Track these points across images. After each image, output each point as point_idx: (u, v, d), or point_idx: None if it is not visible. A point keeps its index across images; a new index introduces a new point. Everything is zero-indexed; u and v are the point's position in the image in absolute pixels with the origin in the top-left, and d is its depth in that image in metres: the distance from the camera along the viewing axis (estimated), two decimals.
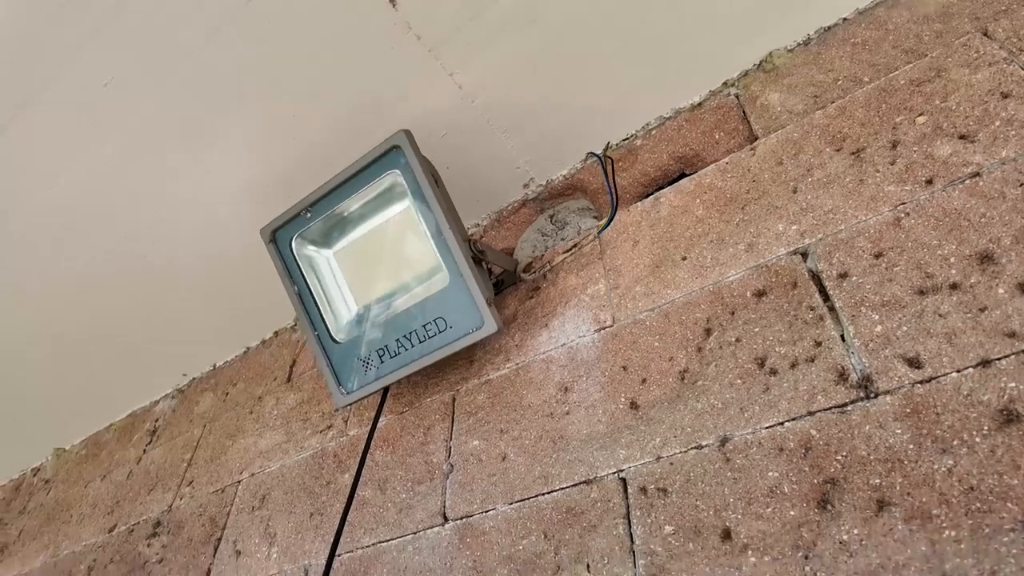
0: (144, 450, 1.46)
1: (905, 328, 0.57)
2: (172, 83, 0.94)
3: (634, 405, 0.71)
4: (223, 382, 1.42)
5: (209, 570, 1.01)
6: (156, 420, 1.53)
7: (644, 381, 0.72)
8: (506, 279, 0.96)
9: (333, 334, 0.89)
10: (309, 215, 0.88)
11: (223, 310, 1.38)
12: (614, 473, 0.67)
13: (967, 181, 0.62)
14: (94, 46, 0.90)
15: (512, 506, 0.72)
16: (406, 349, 0.84)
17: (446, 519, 0.77)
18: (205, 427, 1.34)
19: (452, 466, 0.82)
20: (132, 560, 1.18)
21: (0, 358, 1.55)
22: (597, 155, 0.89)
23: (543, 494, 0.71)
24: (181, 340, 1.46)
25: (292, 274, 0.90)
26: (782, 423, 0.59)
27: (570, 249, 0.90)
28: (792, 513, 0.54)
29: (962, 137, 0.65)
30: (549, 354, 0.83)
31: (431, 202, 0.79)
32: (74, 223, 1.17)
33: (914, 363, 0.55)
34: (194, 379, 1.53)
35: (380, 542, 0.82)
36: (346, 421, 1.03)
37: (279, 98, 0.96)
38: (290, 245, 0.90)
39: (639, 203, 0.89)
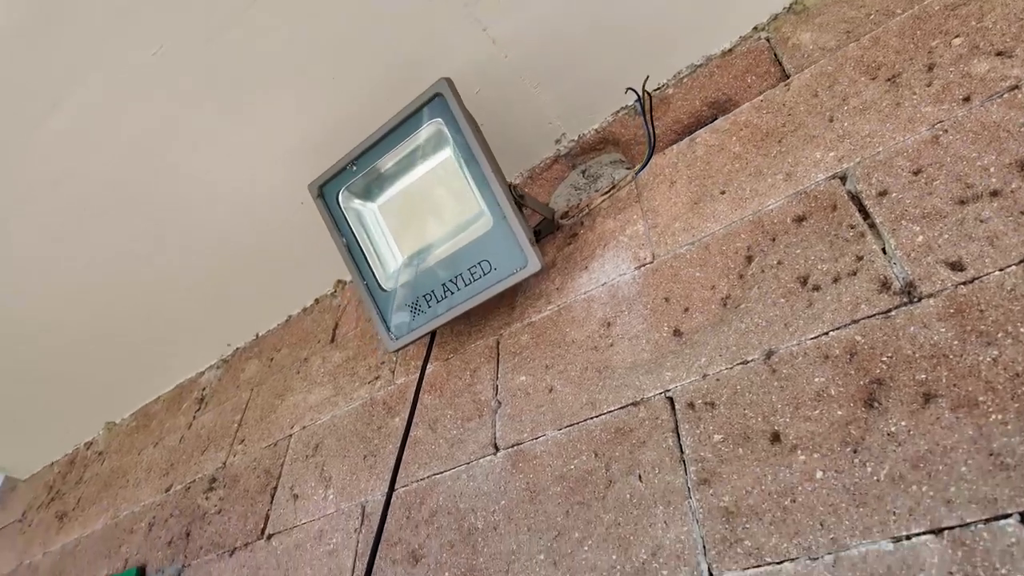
0: (194, 417, 1.53)
1: (946, 236, 0.59)
2: (218, 49, 0.98)
3: (677, 332, 0.73)
4: (267, 349, 1.48)
5: (267, 515, 1.06)
6: (203, 389, 1.59)
7: (687, 310, 0.74)
8: (543, 229, 0.99)
9: (381, 283, 0.93)
10: (355, 168, 0.91)
11: (264, 279, 1.43)
12: (661, 393, 0.70)
13: (1006, 95, 0.63)
14: (145, 13, 0.94)
15: (561, 431, 0.76)
16: (452, 293, 0.87)
17: (497, 448, 0.81)
18: (253, 390, 1.39)
19: (500, 402, 0.86)
20: (191, 513, 1.24)
21: (50, 340, 1.62)
22: (635, 90, 0.90)
23: (591, 418, 0.74)
24: (224, 311, 1.51)
25: (340, 227, 0.94)
26: (826, 333, 0.61)
27: (607, 192, 0.93)
28: (839, 413, 0.56)
29: (999, 54, 0.66)
30: (590, 293, 0.86)
31: (473, 146, 0.82)
32: (119, 195, 1.22)
33: (956, 266, 0.57)
34: (238, 348, 1.59)
35: (434, 474, 0.85)
36: (393, 371, 1.07)
37: (319, 60, 0.99)
38: (337, 199, 0.94)
39: (674, 145, 0.91)
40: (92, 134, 1.11)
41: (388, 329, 0.93)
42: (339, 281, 1.42)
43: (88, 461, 1.86)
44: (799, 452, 0.57)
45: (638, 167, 0.91)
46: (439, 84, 0.83)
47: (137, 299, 1.49)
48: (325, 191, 0.95)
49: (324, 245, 1.31)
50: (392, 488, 0.80)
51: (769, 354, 0.64)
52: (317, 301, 1.45)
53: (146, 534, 1.32)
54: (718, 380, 0.66)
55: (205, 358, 1.65)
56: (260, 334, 1.55)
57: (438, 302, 0.88)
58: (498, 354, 0.92)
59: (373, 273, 0.93)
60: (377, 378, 1.09)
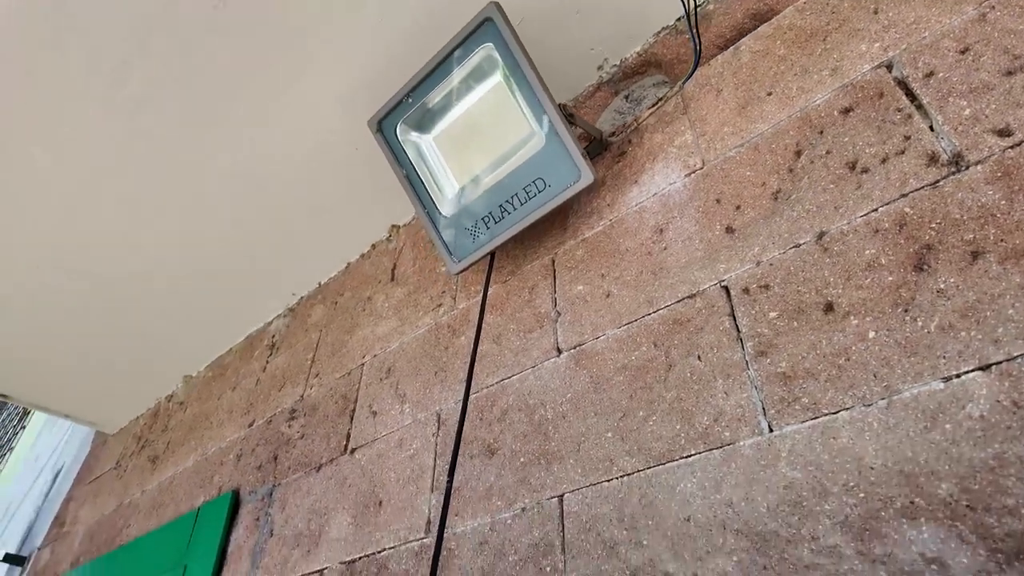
0: (267, 361, 1.64)
1: (994, 106, 0.61)
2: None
3: (730, 229, 0.77)
4: (331, 294, 1.57)
5: (349, 434, 1.16)
6: (273, 336, 1.70)
7: (738, 207, 0.78)
8: (592, 150, 1.03)
9: (441, 210, 0.99)
10: (410, 100, 0.97)
11: (323, 228, 1.51)
12: (716, 284, 0.74)
13: None
14: None
15: (621, 328, 0.81)
16: (509, 213, 0.92)
17: (560, 351, 0.87)
18: (321, 331, 1.49)
19: (559, 312, 0.92)
20: (276, 440, 1.35)
21: (129, 301, 1.75)
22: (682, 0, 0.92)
23: (649, 314, 0.79)
24: (288, 261, 1.60)
25: (400, 159, 1.00)
26: (876, 209, 0.64)
27: (654, 106, 0.96)
28: (890, 279, 0.60)
29: None
30: (641, 205, 0.90)
31: (524, 66, 0.86)
32: (188, 152, 1.31)
33: (1004, 132, 0.59)
34: (303, 297, 1.69)
35: (502, 380, 0.93)
36: (454, 298, 1.14)
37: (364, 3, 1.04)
38: (395, 132, 0.99)
39: (719, 56, 0.93)
40: (159, 95, 1.19)
41: (450, 253, 1.00)
42: (393, 226, 1.49)
43: (171, 411, 2.02)
44: (852, 317, 0.61)
45: (684, 77, 0.94)
46: (488, 8, 0.87)
47: (206, 253, 1.59)
48: (383, 126, 1.01)
49: (378, 191, 1.39)
50: (469, 385, 0.87)
51: (821, 235, 0.67)
52: (374, 246, 1.53)
53: (235, 463, 1.45)
54: (771, 265, 0.70)
55: (272, 308, 1.75)
56: (322, 282, 1.65)
57: (496, 223, 0.94)
58: (554, 271, 0.97)
59: (433, 201, 0.99)
60: (439, 306, 1.16)
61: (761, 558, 0.55)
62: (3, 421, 3.83)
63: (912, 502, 0.50)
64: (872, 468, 0.53)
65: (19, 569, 2.57)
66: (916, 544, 0.48)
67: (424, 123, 1.01)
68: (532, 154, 0.90)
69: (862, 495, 0.52)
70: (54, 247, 1.51)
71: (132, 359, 1.99)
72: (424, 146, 1.01)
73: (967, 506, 0.47)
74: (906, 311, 0.58)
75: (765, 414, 0.62)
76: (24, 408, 3.50)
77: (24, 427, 2.75)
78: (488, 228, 0.94)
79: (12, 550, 2.62)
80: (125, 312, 1.79)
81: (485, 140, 0.96)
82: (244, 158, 1.31)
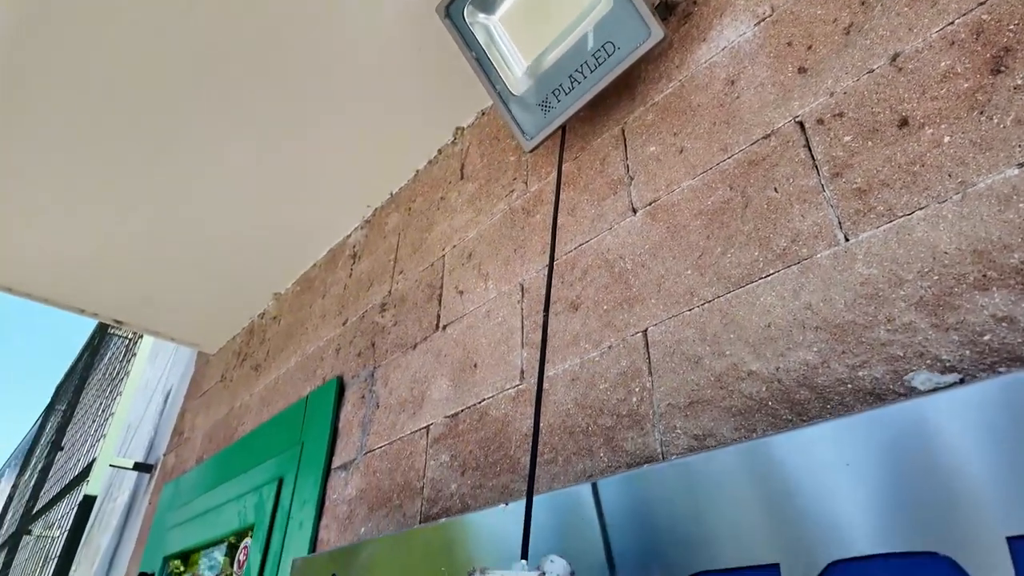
0: (351, 269, 1.77)
1: None
2: None
3: (802, 70, 0.79)
4: (403, 202, 1.66)
5: (439, 314, 1.27)
6: (354, 247, 1.83)
7: (810, 47, 0.79)
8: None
9: (512, 89, 1.04)
10: None
11: (391, 138, 1.58)
12: (790, 120, 0.77)
13: None
14: None
15: (696, 179, 0.86)
16: (579, 82, 0.96)
17: (635, 210, 0.93)
18: (400, 235, 1.59)
19: (632, 176, 0.97)
20: (371, 331, 1.49)
21: (217, 227, 1.89)
22: None
23: (723, 160, 0.83)
24: (360, 174, 1.69)
25: (469, 43, 1.05)
26: (951, 23, 0.66)
27: None
28: (965, 86, 0.62)
29: None
30: (711, 60, 0.92)
31: None
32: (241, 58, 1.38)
33: None
34: (376, 208, 1.79)
35: (580, 245, 1.00)
36: (526, 181, 1.20)
37: None
38: (463, 16, 1.04)
39: None
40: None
41: (523, 132, 1.05)
42: (458, 128, 1.55)
43: (265, 326, 2.21)
44: (926, 128, 0.64)
45: None
46: None
47: (283, 176, 1.70)
48: (451, 11, 1.05)
49: (441, 96, 1.44)
50: (552, 258, 0.94)
51: (895, 57, 0.69)
52: (440, 151, 1.60)
53: (335, 356, 1.60)
54: (845, 94, 0.72)
55: (349, 222, 1.87)
56: (394, 192, 1.74)
57: (567, 94, 0.98)
58: (624, 139, 1.02)
59: (504, 81, 1.04)
60: (512, 191, 1.23)
61: (839, 345, 0.61)
62: (112, 357, 4.25)
63: (984, 275, 0.54)
64: (946, 253, 0.57)
65: (148, 475, 2.93)
66: (988, 308, 0.53)
67: (488, 4, 1.05)
68: (599, 19, 0.93)
69: (936, 277, 0.57)
70: (156, 190, 1.65)
71: (225, 283, 2.18)
72: (491, 26, 1.05)
73: None
74: (981, 112, 0.60)
75: (841, 227, 0.67)
76: (130, 342, 3.86)
77: (134, 354, 3.05)
78: (559, 100, 0.99)
79: (139, 460, 2.98)
80: (216, 241, 1.95)
81: (551, 13, 0.99)
82: (309, 59, 1.38)
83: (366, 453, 1.28)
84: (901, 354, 0.56)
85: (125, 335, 4.11)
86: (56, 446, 4.33)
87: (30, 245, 1.93)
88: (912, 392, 0.53)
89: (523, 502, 0.75)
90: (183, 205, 1.79)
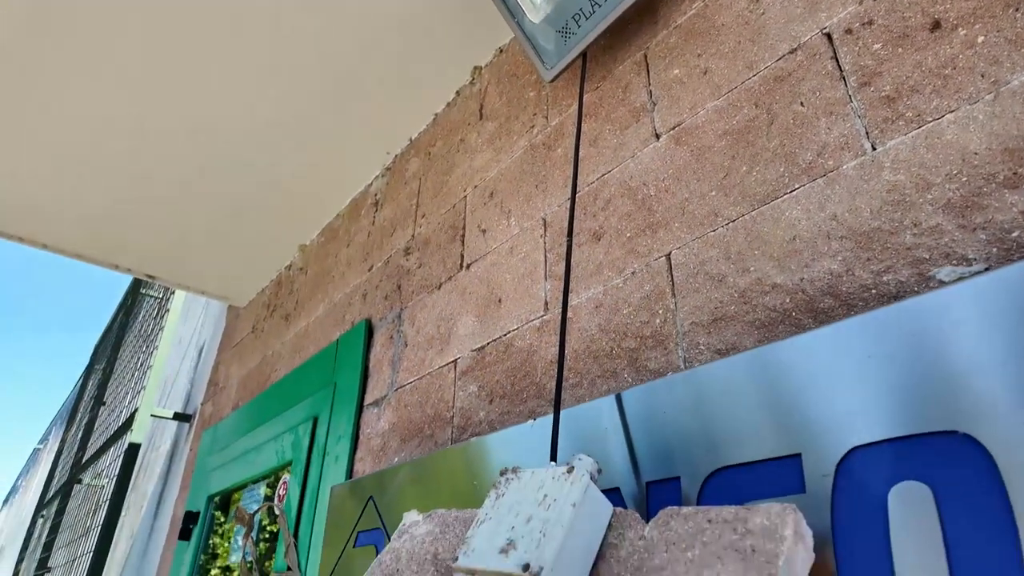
0: (374, 216, 1.79)
1: None
2: None
3: None
4: (423, 146, 1.66)
5: (462, 254, 1.29)
6: (375, 195, 1.84)
7: None
8: None
9: (530, 16, 1.03)
10: None
11: (410, 81, 1.57)
12: (817, 33, 0.76)
13: None
14: None
15: (720, 99, 0.85)
16: (600, 4, 0.95)
17: (658, 136, 0.93)
18: (420, 180, 1.60)
19: (655, 102, 0.96)
20: (396, 274, 1.52)
21: (244, 180, 1.91)
22: None
23: (749, 79, 0.82)
24: (378, 120, 1.69)
25: None
26: None
27: None
28: None
29: None
30: None
31: None
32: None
33: None
34: (396, 155, 1.79)
35: (602, 175, 1.00)
36: (546, 116, 1.20)
37: None
38: None
39: None
40: None
41: (542, 61, 1.04)
42: (475, 67, 1.53)
43: (293, 277, 2.25)
44: (960, 29, 0.62)
45: None
46: None
47: (303, 123, 1.71)
48: None
49: (456, 35, 1.42)
50: (575, 191, 0.95)
51: None
52: (458, 93, 1.58)
53: (363, 301, 1.64)
54: (875, 1, 0.70)
55: (370, 171, 1.88)
56: (413, 137, 1.74)
57: (587, 18, 0.96)
58: (647, 64, 1.00)
59: (521, 7, 1.02)
60: (532, 127, 1.23)
61: (864, 252, 0.62)
62: (145, 316, 4.39)
63: (1015, 172, 0.54)
64: (976, 154, 0.57)
65: (187, 424, 3.06)
66: (1017, 205, 0.53)
67: None
68: None
69: (964, 179, 0.57)
70: (182, 146, 1.66)
71: (253, 236, 2.22)
72: None
73: None
74: (1016, 10, 0.58)
75: (868, 136, 0.66)
76: (161, 301, 3.98)
77: (167, 310, 3.15)
78: (580, 25, 0.97)
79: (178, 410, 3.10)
80: (242, 196, 1.98)
81: None
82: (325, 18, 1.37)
83: (396, 389, 1.33)
84: (927, 256, 0.57)
85: (157, 295, 4.23)
86: (99, 401, 4.53)
87: (66, 202, 1.98)
88: (937, 284, 0.54)
89: (549, 417, 0.78)
90: (209, 162, 1.82)
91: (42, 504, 5.86)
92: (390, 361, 1.40)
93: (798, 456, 0.50)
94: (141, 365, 3.54)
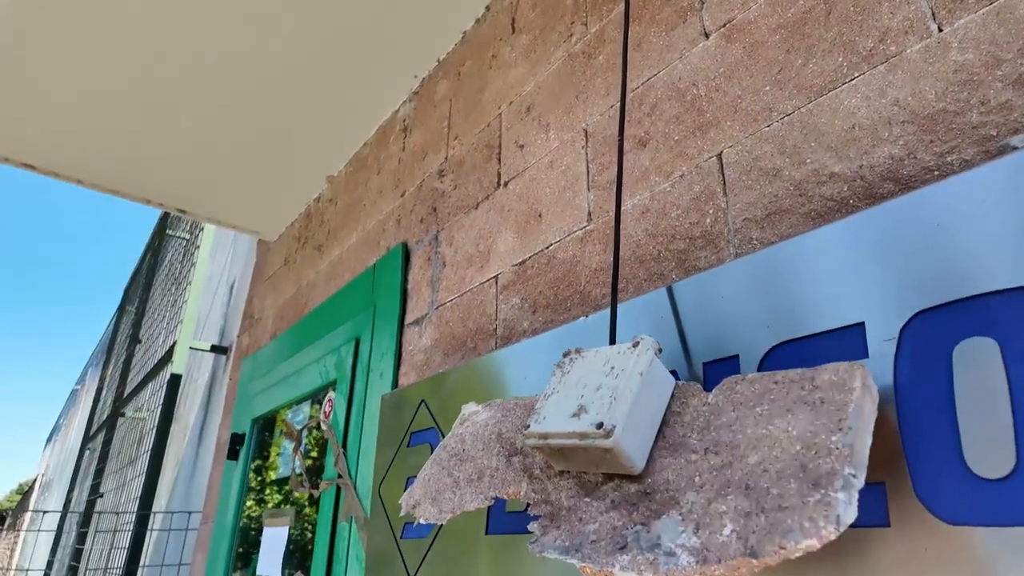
0: (403, 142, 1.79)
1: None
2: None
3: None
4: (452, 67, 1.63)
5: (499, 172, 1.30)
6: (404, 120, 1.83)
7: None
8: None
9: None
10: None
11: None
12: None
13: None
14: None
15: None
16: None
17: (708, 35, 0.91)
18: (451, 101, 1.59)
19: (703, 1, 0.93)
20: (431, 197, 1.53)
21: (270, 109, 1.90)
22: None
23: None
24: (405, 38, 1.66)
25: None
26: None
27: None
28: None
29: None
30: None
31: None
32: None
33: None
34: (424, 78, 1.77)
35: (648, 80, 0.98)
36: (585, 23, 1.17)
37: None
38: None
39: None
40: None
41: None
42: None
43: (322, 209, 2.27)
44: None
45: None
46: None
47: (327, 50, 1.68)
48: None
49: None
50: (624, 94, 0.94)
51: None
52: (488, 8, 1.54)
53: (397, 226, 1.66)
54: None
55: (397, 96, 1.86)
56: (441, 58, 1.71)
57: None
58: None
59: None
60: (571, 36, 1.20)
61: (927, 135, 0.62)
62: (172, 258, 4.47)
63: None
64: None
65: (223, 357, 3.17)
66: None
67: None
68: None
69: None
70: (207, 77, 1.65)
71: (281, 170, 2.23)
72: None
73: None
74: None
75: (935, 18, 0.64)
76: (187, 243, 4.04)
77: (197, 246, 3.21)
78: None
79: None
80: (267, 129, 1.98)
81: None
82: None
83: (437, 308, 1.37)
84: (994, 133, 0.57)
85: (183, 236, 4.29)
86: (134, 339, 4.69)
87: (100, 138, 1.99)
88: (1010, 150, 0.54)
89: (601, 313, 0.80)
90: (235, 94, 1.81)
91: (87, 438, 6.18)
92: (429, 282, 1.43)
93: (861, 324, 0.52)
94: (174, 303, 3.64)
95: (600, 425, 0.52)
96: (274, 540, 1.77)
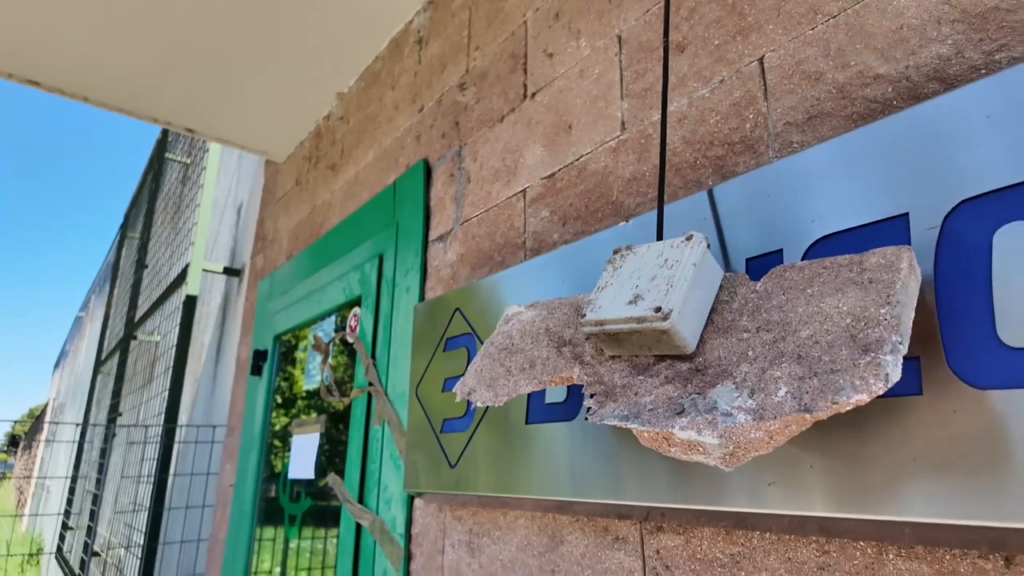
0: (419, 55, 1.75)
1: None
2: None
3: None
4: None
5: (525, 84, 1.29)
6: (418, 32, 1.78)
7: None
8: None
9: None
10: None
11: None
12: None
13: None
14: None
15: None
16: None
17: None
18: (471, 9, 1.54)
19: None
20: (452, 112, 1.52)
21: (275, 19, 1.83)
22: None
23: None
24: None
25: None
26: None
27: None
28: None
29: None
30: None
31: None
32: None
33: None
34: None
35: None
36: None
37: None
38: None
39: None
40: None
41: None
42: None
43: (333, 127, 2.25)
44: None
45: None
46: None
47: None
48: None
49: None
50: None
51: None
52: None
53: (416, 143, 1.66)
54: None
55: (410, 5, 1.80)
56: None
57: None
58: None
59: None
60: None
61: (977, 34, 0.63)
62: (172, 181, 4.43)
63: None
64: None
65: (236, 279, 3.21)
66: None
67: None
68: None
69: None
70: None
71: (287, 85, 2.18)
72: None
73: None
74: None
75: None
76: (187, 167, 3.99)
77: (204, 167, 3.18)
78: None
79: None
80: (273, 42, 1.92)
81: None
82: None
83: (462, 223, 1.39)
84: None
85: (182, 160, 4.23)
86: (141, 264, 4.72)
87: (107, 55, 1.94)
88: (1013, 61, 0.56)
89: (643, 217, 0.83)
90: (238, 6, 1.75)
91: (99, 363, 6.33)
92: (453, 198, 1.45)
93: (905, 215, 0.56)
94: (182, 226, 3.64)
95: (658, 309, 0.56)
96: (305, 447, 1.88)
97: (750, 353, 0.53)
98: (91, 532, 4.35)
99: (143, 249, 4.83)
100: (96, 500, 4.47)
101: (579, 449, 0.82)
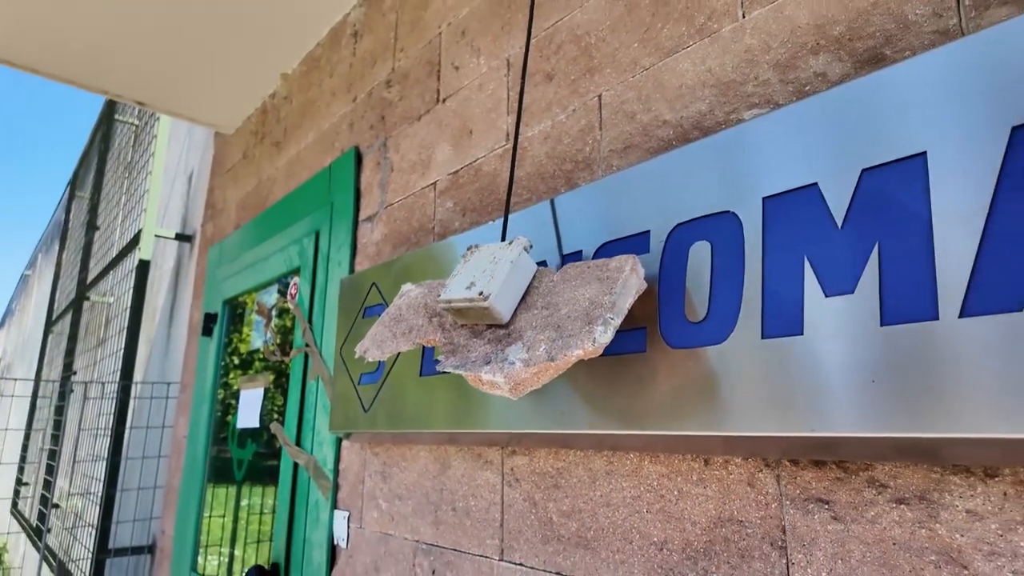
0: (354, 48, 1.92)
1: None
2: None
3: None
4: None
5: (438, 89, 1.50)
6: (354, 25, 1.95)
7: None
8: None
9: None
10: None
11: None
12: None
13: None
14: None
15: None
16: None
17: None
18: (398, 12, 1.72)
19: None
20: (379, 106, 1.72)
21: (221, 7, 1.96)
22: None
23: None
24: None
25: None
26: None
27: None
28: None
29: None
30: None
31: None
32: None
33: None
34: None
35: (555, 22, 1.19)
36: None
37: None
38: None
39: None
40: None
41: None
42: None
43: (278, 105, 2.40)
44: None
45: None
46: None
47: None
48: None
49: None
50: (532, 21, 1.14)
51: None
52: None
53: (350, 130, 1.85)
54: None
55: (347, 0, 1.96)
56: None
57: None
58: None
59: None
60: None
61: (722, 98, 0.88)
62: (122, 143, 4.44)
63: (817, 43, 0.78)
64: (799, 27, 0.80)
65: (188, 244, 3.35)
66: (812, 67, 0.78)
67: None
68: None
69: (789, 45, 0.81)
70: None
71: (235, 63, 2.31)
72: None
73: None
74: None
75: (742, 6, 0.88)
76: (137, 128, 4.03)
77: (154, 137, 3.26)
78: None
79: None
80: (223, 19, 2.05)
81: None
82: None
83: (387, 207, 1.61)
84: (756, 101, 0.83)
85: (132, 122, 4.25)
86: (91, 226, 4.75)
87: (59, 27, 2.04)
88: (738, 121, 0.81)
89: (515, 215, 1.07)
90: None
91: (50, 321, 6.32)
92: (379, 184, 1.66)
93: (647, 232, 0.82)
94: (134, 191, 3.71)
95: (482, 293, 0.81)
96: (251, 400, 2.10)
97: (535, 323, 0.78)
98: (49, 486, 4.49)
99: (93, 211, 4.85)
100: (54, 455, 4.60)
101: (459, 393, 1.08)
